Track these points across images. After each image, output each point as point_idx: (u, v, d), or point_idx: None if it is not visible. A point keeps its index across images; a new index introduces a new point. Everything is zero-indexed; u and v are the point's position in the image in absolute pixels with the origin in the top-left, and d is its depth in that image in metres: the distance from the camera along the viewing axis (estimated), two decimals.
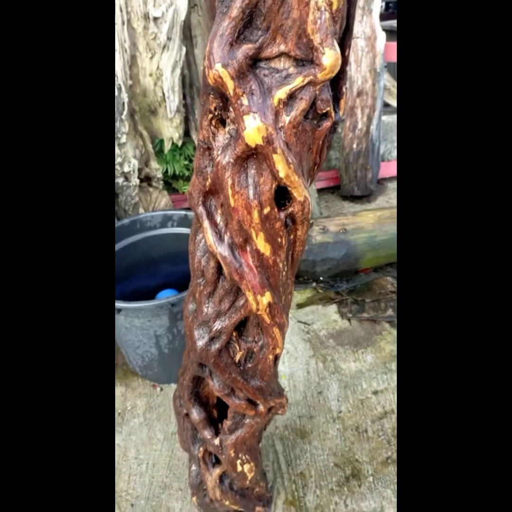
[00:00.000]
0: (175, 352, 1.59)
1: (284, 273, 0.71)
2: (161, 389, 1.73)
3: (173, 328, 1.50)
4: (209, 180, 0.61)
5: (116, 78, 2.07)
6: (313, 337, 1.91)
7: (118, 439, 1.56)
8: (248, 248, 0.64)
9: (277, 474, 1.42)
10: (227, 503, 1.08)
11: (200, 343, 0.76)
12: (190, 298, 0.78)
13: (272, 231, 0.62)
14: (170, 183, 2.74)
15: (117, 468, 1.48)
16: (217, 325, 0.74)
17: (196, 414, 0.93)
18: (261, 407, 0.88)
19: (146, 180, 2.42)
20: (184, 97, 2.36)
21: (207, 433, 0.94)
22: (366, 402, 1.61)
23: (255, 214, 0.59)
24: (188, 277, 1.43)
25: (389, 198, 2.77)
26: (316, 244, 1.98)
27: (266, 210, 0.60)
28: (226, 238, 0.64)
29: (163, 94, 2.21)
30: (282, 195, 0.62)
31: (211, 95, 0.53)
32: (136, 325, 1.47)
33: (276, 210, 0.61)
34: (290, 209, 0.62)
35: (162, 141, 2.41)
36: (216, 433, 0.95)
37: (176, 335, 1.54)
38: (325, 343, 1.88)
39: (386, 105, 2.88)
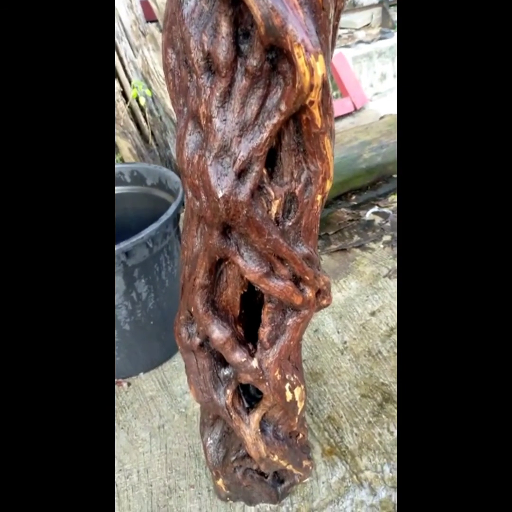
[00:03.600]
0: (138, 327, 1.26)
1: (331, 35, 0.48)
2: (129, 384, 1.38)
3: (131, 291, 1.18)
4: None
5: None
6: None
7: None
8: None
9: None
10: (276, 458, 0.81)
11: (223, 187, 0.50)
12: (188, 127, 0.51)
13: None
14: None
15: None
16: (245, 148, 0.49)
17: (219, 331, 0.65)
18: (308, 292, 0.64)
19: None
20: None
21: (238, 355, 0.67)
22: (368, 324, 1.44)
23: None
24: None
25: None
26: None
27: None
28: None
29: None
30: None
31: None
32: None
33: None
34: None
35: None
36: (251, 354, 0.68)
37: (137, 302, 1.21)
38: None
39: None
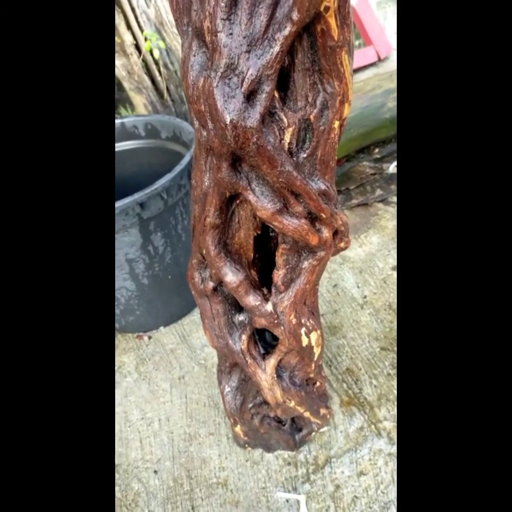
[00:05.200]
0: (157, 281, 1.26)
1: None
2: (150, 338, 1.40)
3: (148, 245, 1.17)
4: None
5: None
6: None
7: None
8: None
9: None
10: (292, 404, 0.81)
11: (230, 110, 0.46)
12: (192, 47, 0.47)
13: None
14: None
15: (121, 437, 1.15)
16: (254, 65, 0.45)
17: (232, 274, 0.63)
18: (325, 232, 0.60)
19: None
20: None
21: (252, 299, 0.65)
22: (389, 279, 1.41)
23: None
24: None
25: None
26: None
27: None
28: None
29: None
30: None
31: None
32: None
33: None
34: None
35: None
36: (265, 298, 0.66)
37: (154, 256, 1.21)
38: None
39: None
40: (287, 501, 0.96)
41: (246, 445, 1.03)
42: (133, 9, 2.00)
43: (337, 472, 0.99)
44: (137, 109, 2.11)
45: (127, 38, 1.98)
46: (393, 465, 0.99)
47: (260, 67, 0.45)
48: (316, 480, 0.99)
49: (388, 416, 1.07)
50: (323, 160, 0.55)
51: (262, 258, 0.70)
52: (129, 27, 1.99)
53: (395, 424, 1.05)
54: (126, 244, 1.13)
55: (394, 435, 1.03)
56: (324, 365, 1.21)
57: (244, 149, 0.49)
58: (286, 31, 0.43)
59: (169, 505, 1.00)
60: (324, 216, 0.58)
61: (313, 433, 1.02)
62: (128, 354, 1.36)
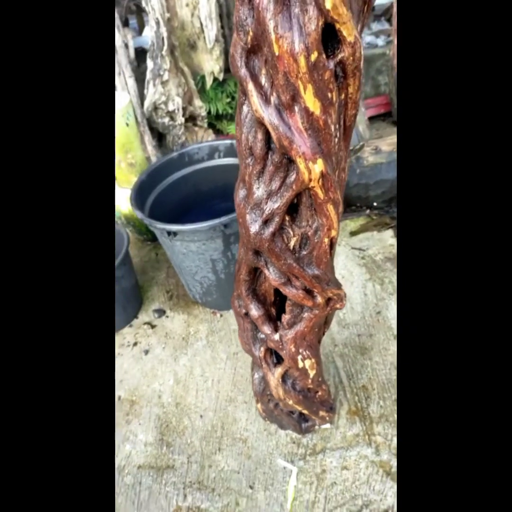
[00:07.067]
0: (231, 277, 1.62)
1: (336, 139, 0.67)
2: (221, 315, 1.79)
3: (228, 251, 1.52)
4: (251, 33, 0.58)
5: (153, 12, 2.03)
6: (369, 262, 1.86)
7: (184, 360, 1.65)
8: (296, 108, 0.61)
9: (339, 387, 1.44)
10: (290, 402, 1.11)
11: (253, 228, 0.76)
12: (240, 185, 0.77)
13: (321, 83, 0.58)
14: (214, 124, 2.71)
15: (185, 385, 1.57)
16: (270, 206, 0.73)
17: (254, 310, 0.94)
18: (318, 298, 0.87)
19: (191, 119, 2.40)
20: (222, 28, 2.28)
21: (266, 328, 0.95)
22: None
23: (302, 61, 0.55)
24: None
25: None
26: (369, 166, 1.88)
27: (314, 56, 0.56)
28: (272, 99, 0.61)
29: (201, 25, 2.14)
30: (330, 44, 0.57)
31: None
32: (192, 249, 1.51)
33: (324, 56, 0.57)
34: (340, 55, 0.57)
35: (203, 77, 2.37)
36: (276, 329, 0.96)
37: (231, 259, 1.56)
38: (382, 266, 1.82)
39: None
40: (284, 468, 1.29)
41: (266, 419, 1.37)
42: None
43: (327, 460, 1.28)
44: None
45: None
46: (371, 470, 1.24)
47: (273, 209, 0.73)
48: (310, 461, 1.29)
49: (382, 433, 1.31)
50: (318, 257, 0.81)
51: (281, 300, 0.99)
52: None
53: (386, 440, 1.29)
54: (212, 249, 1.50)
55: (381, 448, 1.28)
56: (345, 377, 1.47)
57: (260, 248, 0.78)
58: (289, 192, 0.71)
59: (204, 441, 1.40)
60: (315, 290, 0.85)
61: (316, 427, 1.31)
62: (203, 324, 1.77)
